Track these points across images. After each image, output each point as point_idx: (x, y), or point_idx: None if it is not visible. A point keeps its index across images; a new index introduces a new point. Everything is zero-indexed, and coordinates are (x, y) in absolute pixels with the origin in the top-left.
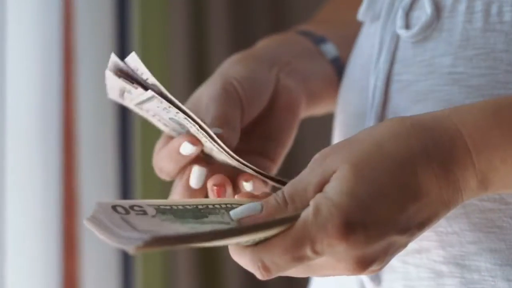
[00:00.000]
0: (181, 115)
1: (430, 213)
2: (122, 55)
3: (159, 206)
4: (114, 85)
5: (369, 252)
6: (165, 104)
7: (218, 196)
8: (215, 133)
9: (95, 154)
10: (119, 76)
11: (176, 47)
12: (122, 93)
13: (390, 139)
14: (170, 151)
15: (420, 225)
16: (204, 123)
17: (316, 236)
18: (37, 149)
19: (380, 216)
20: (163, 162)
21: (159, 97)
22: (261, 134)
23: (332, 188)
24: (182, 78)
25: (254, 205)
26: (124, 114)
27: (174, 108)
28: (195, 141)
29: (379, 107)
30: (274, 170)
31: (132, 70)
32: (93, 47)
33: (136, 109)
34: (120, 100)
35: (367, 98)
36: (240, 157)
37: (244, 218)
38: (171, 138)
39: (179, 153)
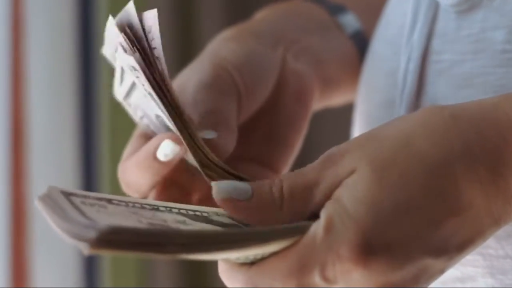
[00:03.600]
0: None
1: (474, 231)
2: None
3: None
4: (112, 40)
5: (394, 279)
6: (143, 82)
7: None
8: (207, 138)
9: (51, 157)
10: (121, 31)
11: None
12: (116, 50)
13: (423, 135)
14: (143, 156)
15: (461, 246)
16: (186, 121)
17: (327, 258)
18: None
19: (409, 233)
20: (131, 174)
21: (137, 70)
22: (261, 133)
23: (349, 196)
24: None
25: (244, 187)
26: (87, 107)
27: (152, 94)
28: (177, 139)
29: (412, 95)
30: None
31: (143, 29)
32: (47, 22)
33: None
34: (112, 61)
35: (396, 83)
36: (234, 166)
37: (227, 203)
38: (146, 139)
39: (155, 159)
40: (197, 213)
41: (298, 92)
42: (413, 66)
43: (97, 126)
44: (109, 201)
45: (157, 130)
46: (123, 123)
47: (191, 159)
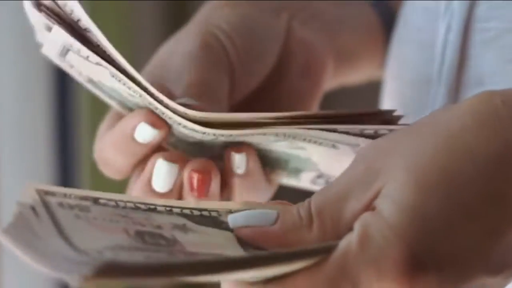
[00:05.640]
0: (124, 80)
1: None
2: None
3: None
4: (38, 23)
5: None
6: (95, 60)
7: (200, 190)
8: (185, 104)
9: (21, 145)
10: (40, 10)
11: None
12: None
13: (472, 128)
14: (119, 136)
15: None
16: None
17: (362, 276)
18: None
19: (463, 248)
20: (109, 153)
21: (82, 48)
22: None
23: (389, 206)
24: (150, 27)
25: (267, 213)
26: (63, 84)
27: (111, 69)
28: (157, 121)
29: (453, 70)
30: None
31: (59, 6)
32: (16, 17)
33: (62, 64)
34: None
35: (434, 56)
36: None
37: (246, 230)
38: (121, 116)
39: (133, 140)
40: (204, 212)
41: (306, 66)
42: (454, 36)
43: (75, 115)
44: (95, 200)
45: (117, 100)
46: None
47: (175, 135)
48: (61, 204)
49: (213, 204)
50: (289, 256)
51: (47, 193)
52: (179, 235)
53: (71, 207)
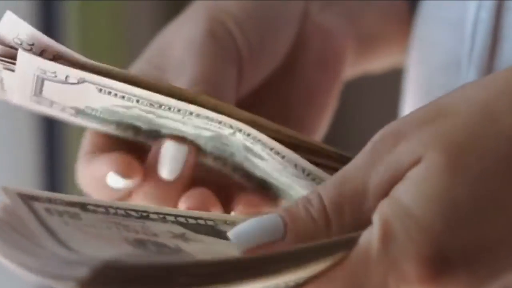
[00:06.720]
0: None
1: None
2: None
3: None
4: None
5: None
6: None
7: None
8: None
9: (7, 153)
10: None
11: None
12: None
13: (508, 106)
14: (93, 180)
15: None
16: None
17: (388, 278)
18: None
19: (491, 241)
20: (90, 191)
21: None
22: (270, 110)
23: (412, 193)
24: (144, 22)
25: (272, 225)
26: None
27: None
28: (127, 169)
29: (485, 53)
30: None
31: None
32: None
33: (41, 107)
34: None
35: (463, 38)
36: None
37: (255, 250)
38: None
39: (107, 185)
40: (200, 221)
41: (322, 57)
42: (486, 15)
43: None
44: (84, 206)
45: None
46: None
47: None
48: (48, 210)
49: (207, 214)
50: (303, 255)
51: (31, 198)
52: (182, 245)
53: (60, 213)
